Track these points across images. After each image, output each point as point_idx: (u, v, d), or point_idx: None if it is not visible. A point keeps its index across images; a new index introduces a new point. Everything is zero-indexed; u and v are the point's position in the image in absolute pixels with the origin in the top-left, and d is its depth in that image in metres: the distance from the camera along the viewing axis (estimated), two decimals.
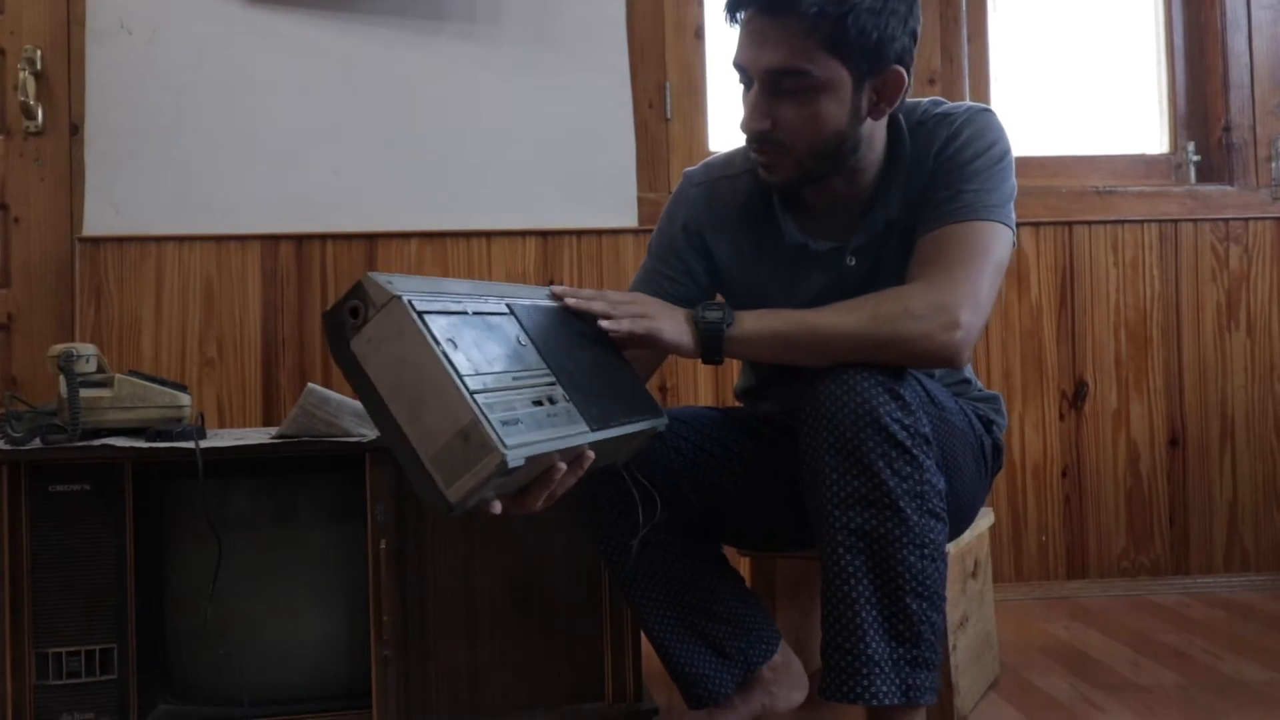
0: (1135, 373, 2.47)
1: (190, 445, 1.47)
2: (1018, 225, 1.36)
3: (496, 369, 1.01)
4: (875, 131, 1.36)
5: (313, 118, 2.30)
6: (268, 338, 2.29)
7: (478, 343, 1.02)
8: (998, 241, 1.30)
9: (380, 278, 0.98)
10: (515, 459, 0.93)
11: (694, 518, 1.45)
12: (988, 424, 1.50)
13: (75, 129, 2.28)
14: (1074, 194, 2.47)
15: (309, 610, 1.55)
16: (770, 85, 1.29)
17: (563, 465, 1.05)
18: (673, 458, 1.40)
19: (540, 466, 1.03)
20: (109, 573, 1.47)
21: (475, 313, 1.06)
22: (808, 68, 1.26)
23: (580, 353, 1.17)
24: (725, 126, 2.48)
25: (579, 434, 1.06)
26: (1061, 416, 2.45)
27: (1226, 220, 2.49)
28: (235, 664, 1.49)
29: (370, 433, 1.52)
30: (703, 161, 1.56)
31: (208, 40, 2.28)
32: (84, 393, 1.52)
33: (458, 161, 2.33)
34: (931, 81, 2.51)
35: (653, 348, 1.28)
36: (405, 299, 0.96)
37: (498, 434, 0.93)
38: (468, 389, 0.94)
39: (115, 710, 1.47)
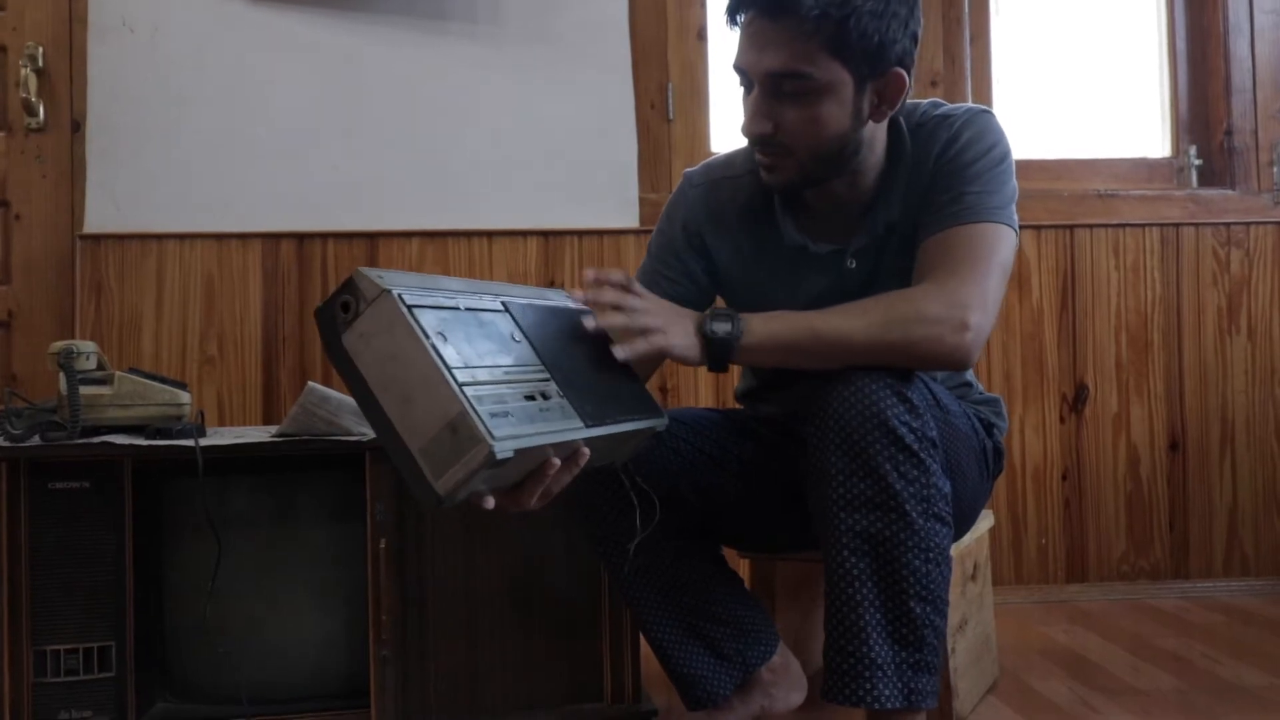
0: (1136, 376, 2.47)
1: (190, 443, 1.47)
2: (1020, 228, 1.36)
3: (487, 363, 1.01)
4: (876, 134, 1.36)
5: (314, 116, 2.30)
6: (268, 336, 2.28)
7: (469, 337, 1.02)
8: (1003, 243, 1.30)
9: (371, 273, 0.98)
10: (503, 450, 0.93)
11: (693, 519, 1.45)
12: (989, 427, 1.50)
13: (77, 126, 2.28)
14: (1075, 197, 2.47)
15: (308, 609, 1.55)
16: (771, 88, 1.28)
17: (557, 461, 1.05)
18: (672, 459, 1.40)
19: (533, 461, 1.03)
20: (108, 570, 1.47)
21: (468, 309, 1.06)
22: (809, 70, 1.25)
23: (577, 352, 1.17)
24: (727, 127, 2.48)
25: (573, 429, 1.06)
26: (1062, 420, 2.45)
27: (1228, 224, 2.49)
28: (234, 662, 1.49)
29: (370, 432, 1.52)
30: (703, 162, 1.56)
31: (209, 38, 2.28)
32: (84, 390, 1.52)
33: (459, 161, 2.33)
34: (934, 83, 2.51)
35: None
36: (395, 293, 0.97)
37: (486, 425, 0.93)
38: (456, 381, 0.94)
39: (113, 708, 1.47)
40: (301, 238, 2.29)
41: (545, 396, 1.05)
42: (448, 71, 2.33)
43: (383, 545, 1.51)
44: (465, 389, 0.95)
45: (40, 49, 2.26)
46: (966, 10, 2.52)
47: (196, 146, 2.27)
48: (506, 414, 0.97)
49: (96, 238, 2.24)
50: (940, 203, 1.32)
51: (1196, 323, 2.48)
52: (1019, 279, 2.44)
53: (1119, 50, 2.63)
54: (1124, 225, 2.47)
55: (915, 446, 1.19)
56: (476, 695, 1.55)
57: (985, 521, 1.77)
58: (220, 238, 2.27)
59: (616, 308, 1.20)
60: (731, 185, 1.48)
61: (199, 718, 1.51)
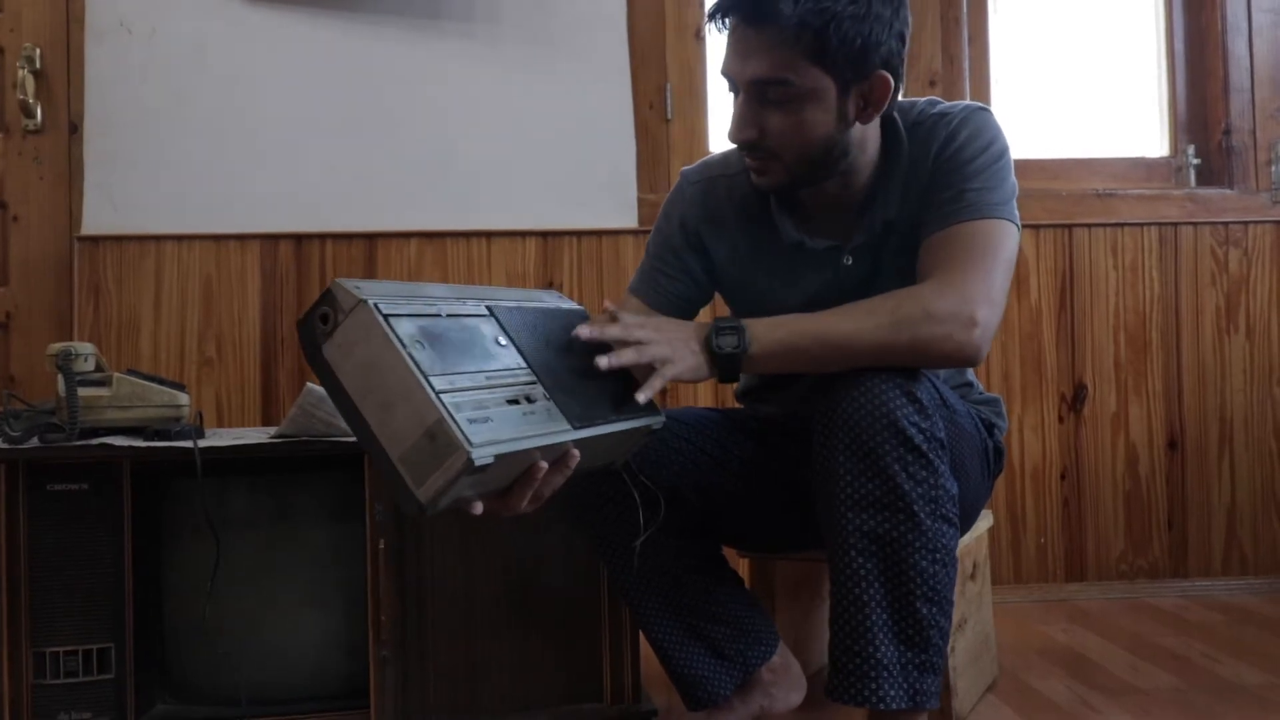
0: (1134, 376, 2.47)
1: (189, 444, 1.47)
2: (1021, 227, 1.36)
3: (468, 369, 1.01)
4: (867, 134, 1.36)
5: (312, 116, 2.30)
6: (267, 337, 2.28)
7: (450, 344, 1.02)
8: (1006, 238, 1.30)
9: (349, 283, 0.99)
10: (481, 457, 0.93)
11: (693, 519, 1.45)
12: (989, 427, 1.50)
13: (74, 127, 2.28)
14: (1074, 197, 2.47)
15: (307, 610, 1.55)
16: (756, 95, 1.29)
17: (544, 464, 1.04)
18: (672, 458, 1.40)
19: (519, 466, 1.03)
20: (107, 572, 1.47)
21: (450, 315, 1.06)
22: (790, 78, 1.26)
23: (568, 353, 1.17)
24: (725, 127, 2.47)
25: (560, 432, 1.06)
26: (1060, 419, 2.45)
27: (1226, 224, 2.49)
28: (233, 663, 1.49)
29: None
30: (700, 160, 1.56)
31: (207, 39, 2.28)
32: (82, 392, 1.52)
33: (457, 161, 2.33)
34: (932, 83, 2.51)
35: None
36: (371, 303, 0.97)
37: (464, 432, 0.93)
38: (433, 389, 0.95)
39: (113, 709, 1.47)
40: (300, 239, 2.29)
41: (530, 400, 1.05)
42: (446, 72, 2.33)
43: (382, 546, 1.51)
44: (443, 396, 0.95)
45: (38, 50, 2.26)
46: (965, 10, 2.52)
47: (194, 148, 2.27)
48: (486, 419, 0.97)
49: (94, 239, 2.24)
50: (941, 201, 1.32)
51: (1195, 322, 2.48)
52: (1018, 278, 2.44)
53: (1117, 50, 2.63)
54: (1122, 225, 2.47)
55: (924, 447, 1.19)
56: (476, 695, 1.55)
57: (985, 521, 1.77)
58: (218, 239, 2.27)
59: (624, 342, 1.19)
60: (728, 183, 1.48)
61: (199, 718, 1.50)
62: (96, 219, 2.25)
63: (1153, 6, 2.62)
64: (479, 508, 1.01)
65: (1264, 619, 2.22)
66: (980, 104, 1.40)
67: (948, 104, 1.40)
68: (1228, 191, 2.51)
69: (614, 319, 1.21)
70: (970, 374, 1.56)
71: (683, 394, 2.35)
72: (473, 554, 1.55)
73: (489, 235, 2.33)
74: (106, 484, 1.47)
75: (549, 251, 2.35)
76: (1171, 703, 1.69)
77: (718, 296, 1.58)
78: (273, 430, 1.61)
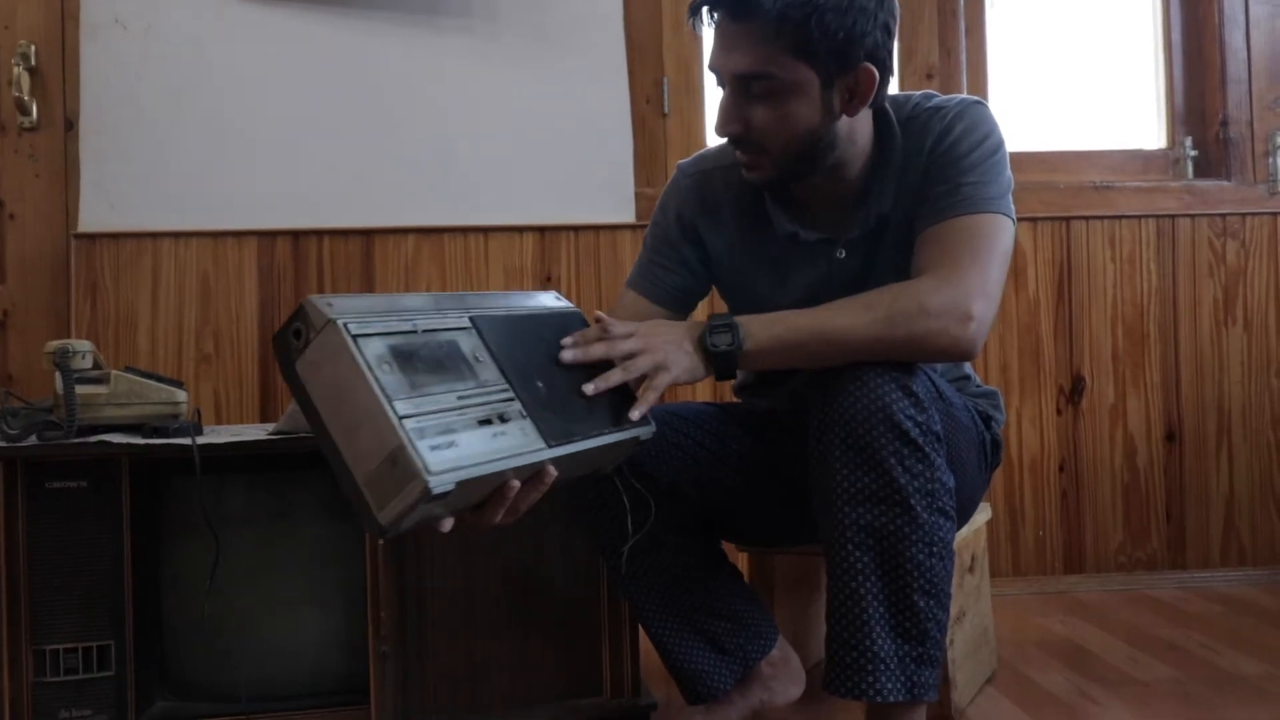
0: (1132, 368, 2.47)
1: (187, 442, 1.47)
2: (1016, 220, 1.36)
3: (438, 389, 1.01)
4: (855, 127, 1.35)
5: (308, 113, 2.29)
6: (264, 334, 2.28)
7: (421, 362, 1.01)
8: (1002, 232, 1.30)
9: (321, 300, 0.99)
10: (441, 485, 0.93)
11: (692, 514, 1.45)
12: (986, 420, 1.50)
13: (70, 125, 2.27)
14: (1071, 189, 2.47)
15: (307, 606, 1.55)
16: (740, 89, 1.29)
17: (516, 483, 1.04)
18: (671, 453, 1.40)
19: (489, 486, 1.02)
20: (106, 569, 1.47)
21: (427, 330, 1.05)
22: (773, 71, 1.26)
23: (553, 365, 1.16)
24: None
25: (532, 452, 1.05)
26: (1059, 412, 2.46)
27: (1224, 215, 2.49)
28: (233, 660, 1.49)
29: None
30: (696, 153, 1.56)
31: (202, 35, 2.27)
32: (80, 389, 1.52)
33: (455, 157, 2.32)
34: (929, 76, 2.50)
35: None
36: (340, 322, 0.97)
37: (423, 460, 0.93)
38: (396, 413, 0.94)
39: (113, 707, 1.47)
40: (297, 235, 2.29)
41: (503, 419, 1.04)
42: (443, 68, 2.32)
43: (380, 542, 1.51)
44: (406, 421, 0.95)
45: (33, 47, 2.26)
46: (962, 3, 2.52)
47: (190, 144, 2.26)
48: (451, 444, 0.97)
49: (91, 236, 2.24)
50: (936, 195, 1.32)
51: (1193, 314, 2.48)
52: (1015, 271, 2.44)
53: (1114, 42, 2.63)
54: (1120, 217, 2.47)
55: (920, 440, 1.19)
56: (476, 691, 1.55)
57: (983, 514, 1.78)
58: (215, 235, 2.27)
59: (610, 359, 1.18)
60: (723, 175, 1.48)
61: (199, 716, 1.50)
62: (93, 216, 2.24)
63: None
64: (448, 525, 1.02)
65: (1262, 610, 2.22)
66: (975, 97, 1.40)
67: (943, 97, 1.39)
68: (1225, 183, 2.51)
69: (603, 332, 1.21)
70: (967, 367, 1.56)
71: (680, 389, 2.35)
72: (472, 550, 1.55)
73: (486, 231, 2.33)
74: (105, 481, 1.47)
75: (546, 247, 2.35)
76: (1170, 694, 1.69)
77: (715, 293, 1.58)
78: (271, 427, 1.61)
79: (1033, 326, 2.46)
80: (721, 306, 1.58)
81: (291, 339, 0.99)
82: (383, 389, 0.95)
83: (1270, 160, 2.50)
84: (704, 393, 2.35)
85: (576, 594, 1.58)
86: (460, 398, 1.02)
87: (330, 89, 2.30)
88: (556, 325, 1.22)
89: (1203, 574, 2.46)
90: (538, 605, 1.57)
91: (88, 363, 1.56)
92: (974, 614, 1.72)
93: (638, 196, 2.36)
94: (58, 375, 1.51)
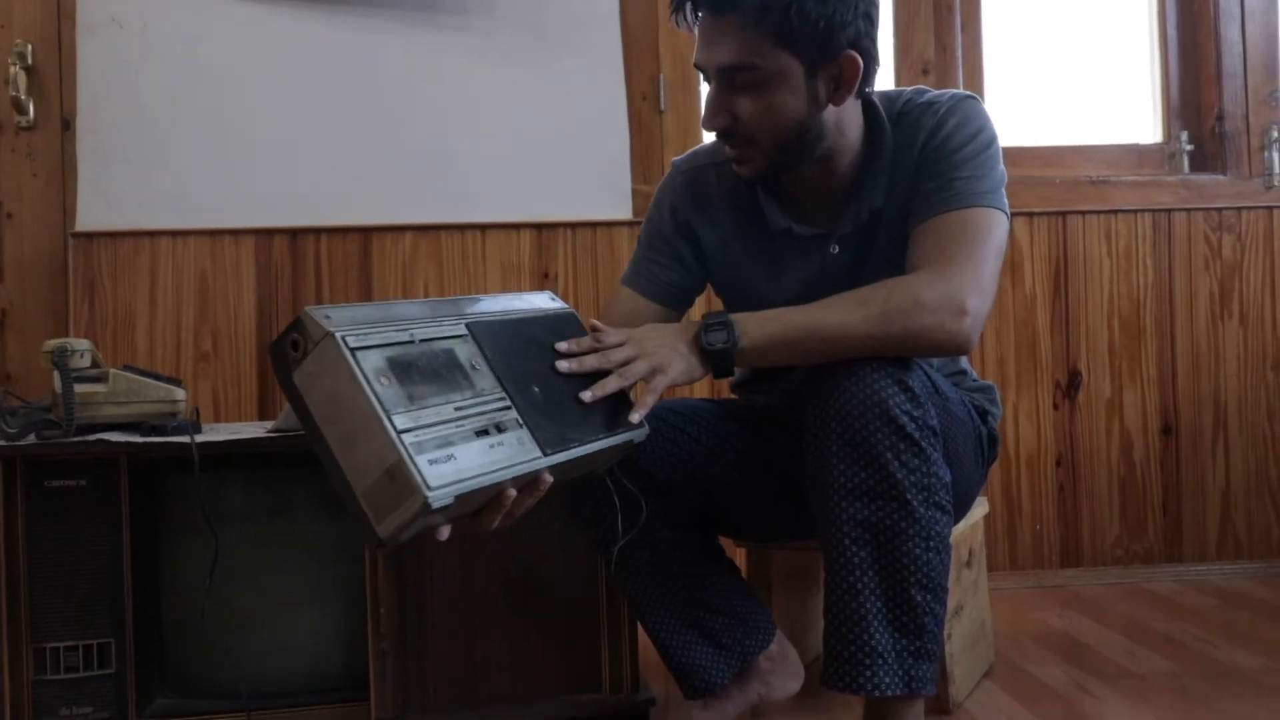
0: (1129, 362, 2.48)
1: (186, 440, 1.47)
2: (1011, 215, 1.37)
3: (435, 401, 1.01)
4: (844, 118, 1.36)
5: (306, 111, 2.29)
6: (262, 332, 2.28)
7: (418, 373, 1.02)
8: (995, 227, 1.30)
9: (319, 312, 0.99)
10: (440, 499, 0.94)
11: (688, 510, 1.46)
12: (983, 414, 1.51)
13: (67, 124, 2.27)
14: (1067, 184, 2.48)
15: (306, 603, 1.55)
16: (725, 82, 1.30)
17: (513, 491, 1.05)
18: (667, 449, 1.40)
19: (488, 494, 1.03)
20: (105, 567, 1.47)
21: (423, 340, 1.05)
22: (756, 62, 1.27)
23: (549, 370, 1.16)
24: None
25: (528, 461, 1.05)
26: (1055, 406, 2.46)
27: (1219, 210, 2.50)
28: (233, 658, 1.49)
29: None
30: (690, 150, 1.56)
31: (199, 33, 2.27)
32: (78, 388, 1.52)
33: (452, 155, 2.32)
34: (925, 71, 2.51)
35: None
36: (338, 335, 0.97)
37: (422, 475, 0.93)
38: (395, 428, 0.95)
39: (113, 704, 1.47)
40: (295, 233, 2.29)
41: (500, 429, 1.05)
42: (439, 65, 2.32)
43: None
44: (404, 435, 0.95)
45: (29, 46, 2.25)
46: None
47: (188, 142, 2.26)
48: (450, 458, 0.97)
49: (89, 235, 2.24)
50: (929, 190, 1.33)
51: (1189, 308, 2.49)
52: (1012, 266, 2.45)
53: (1110, 36, 2.63)
54: (1116, 211, 2.48)
55: (916, 435, 1.20)
56: (475, 687, 1.56)
57: (980, 508, 1.78)
58: (213, 234, 2.27)
59: (605, 369, 1.18)
60: (717, 171, 1.48)
61: (199, 713, 1.51)
62: (90, 215, 2.24)
63: None
64: (445, 533, 1.02)
65: (1258, 603, 2.23)
66: (968, 92, 1.40)
67: (935, 92, 1.40)
68: (1221, 177, 2.51)
69: (596, 339, 1.21)
70: (964, 361, 1.56)
71: (678, 388, 2.35)
72: (471, 548, 1.55)
73: (484, 228, 2.33)
74: (104, 480, 1.48)
75: (544, 244, 2.35)
76: (1167, 687, 1.70)
77: (711, 292, 1.58)
78: (269, 425, 1.61)
79: (1029, 321, 2.46)
80: (718, 305, 1.59)
81: (289, 349, 0.99)
82: (381, 403, 0.95)
83: (1266, 154, 2.50)
84: (701, 389, 2.35)
85: (575, 590, 1.58)
86: (458, 409, 1.02)
87: (327, 87, 2.30)
88: (552, 328, 1.22)
89: (1199, 567, 2.47)
90: (537, 602, 1.57)
91: (86, 361, 1.57)
92: (971, 608, 1.73)
93: (634, 193, 2.36)
94: (56, 374, 1.51)
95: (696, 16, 1.31)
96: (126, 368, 1.61)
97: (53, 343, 1.54)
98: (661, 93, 2.43)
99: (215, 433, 1.59)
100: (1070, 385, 2.46)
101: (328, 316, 0.98)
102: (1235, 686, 1.69)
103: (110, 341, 2.24)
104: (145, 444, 1.48)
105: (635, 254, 1.54)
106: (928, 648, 1.22)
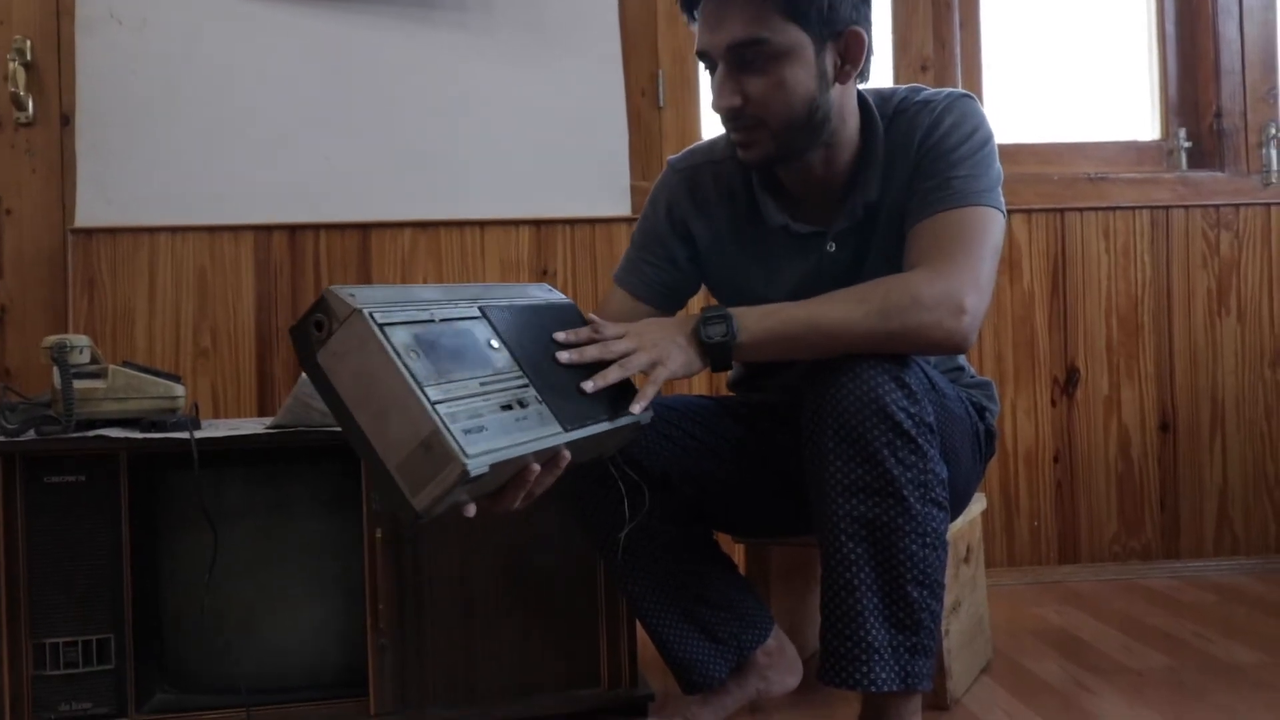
0: (1126, 358, 2.48)
1: (185, 436, 1.47)
2: (1009, 212, 1.37)
3: (462, 376, 1.02)
4: (845, 103, 1.36)
5: (304, 107, 2.29)
6: (261, 328, 2.28)
7: (444, 350, 1.03)
8: (992, 225, 1.30)
9: (343, 291, 0.99)
10: (477, 467, 0.94)
11: (685, 505, 1.46)
12: (981, 410, 1.51)
13: (66, 120, 2.27)
14: (1066, 181, 2.48)
15: (305, 599, 1.56)
16: (734, 61, 1.29)
17: (537, 467, 1.06)
18: (662, 444, 1.40)
19: (513, 469, 1.04)
20: (105, 563, 1.47)
21: (443, 320, 1.06)
22: (766, 35, 1.27)
23: (553, 358, 1.17)
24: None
25: (551, 436, 1.06)
26: (1053, 402, 2.47)
27: (1217, 206, 2.50)
28: (232, 653, 1.50)
29: None
30: (686, 149, 1.56)
31: (198, 30, 2.27)
32: (78, 384, 1.52)
33: (450, 151, 2.33)
34: (924, 68, 2.51)
35: None
36: (366, 312, 0.98)
37: (459, 443, 0.94)
38: (429, 399, 0.95)
39: (113, 700, 1.48)
40: (293, 229, 2.29)
41: (523, 404, 1.06)
42: (438, 61, 2.32)
43: (378, 535, 1.51)
44: (438, 406, 0.96)
45: (28, 42, 2.25)
46: None
47: (187, 139, 2.26)
48: (481, 429, 0.98)
49: (88, 232, 2.24)
50: (926, 189, 1.33)
51: (1186, 305, 2.49)
52: (1010, 263, 2.45)
53: (1108, 33, 2.63)
54: (1114, 208, 2.48)
55: (913, 432, 1.20)
56: (474, 682, 1.56)
57: (978, 504, 1.78)
58: (212, 230, 2.27)
59: (606, 361, 1.18)
60: (713, 170, 1.49)
61: (198, 708, 1.51)
62: (90, 211, 2.24)
63: None
64: (472, 510, 1.03)
65: (1255, 598, 2.24)
66: (964, 91, 1.40)
67: (930, 91, 1.40)
68: (1219, 174, 2.51)
69: (594, 332, 1.21)
70: (961, 358, 1.57)
71: (676, 383, 2.35)
72: (469, 542, 1.56)
73: (482, 224, 2.33)
74: (103, 476, 1.48)
75: (542, 240, 2.35)
76: (1164, 682, 1.70)
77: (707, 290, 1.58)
78: (269, 421, 1.61)
79: (1027, 318, 2.46)
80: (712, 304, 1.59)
81: (313, 330, 0.99)
82: (413, 376, 0.96)
83: (1263, 151, 2.51)
84: (699, 386, 2.35)
85: (574, 586, 1.59)
86: (482, 384, 1.04)
87: (327, 84, 2.30)
88: (555, 317, 1.23)
89: (1196, 563, 2.47)
90: (535, 597, 1.58)
91: (85, 358, 1.57)
92: (969, 604, 1.73)
93: (633, 189, 2.37)
94: (55, 370, 1.51)
95: (694, 14, 1.31)
96: (126, 364, 1.61)
97: (52, 339, 1.54)
98: (661, 89, 2.43)
99: (214, 429, 1.59)
100: (1068, 382, 2.47)
101: (353, 295, 0.99)
102: (1232, 682, 1.70)
103: (109, 337, 2.24)
104: (144, 440, 1.48)
105: (629, 251, 1.54)
106: (924, 643, 1.22)
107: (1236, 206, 2.50)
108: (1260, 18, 2.53)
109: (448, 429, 0.95)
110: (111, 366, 1.58)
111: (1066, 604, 2.23)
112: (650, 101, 2.44)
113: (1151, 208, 2.48)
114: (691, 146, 1.56)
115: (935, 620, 1.24)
